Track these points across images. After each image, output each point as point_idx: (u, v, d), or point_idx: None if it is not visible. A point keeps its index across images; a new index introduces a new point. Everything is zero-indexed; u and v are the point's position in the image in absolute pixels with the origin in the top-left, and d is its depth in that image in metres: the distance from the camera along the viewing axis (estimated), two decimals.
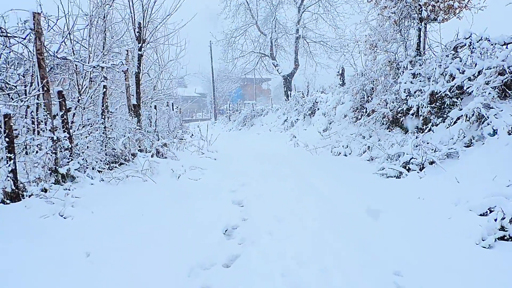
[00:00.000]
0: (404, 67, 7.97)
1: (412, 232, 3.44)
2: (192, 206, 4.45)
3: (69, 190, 4.61)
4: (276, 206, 4.45)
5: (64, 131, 5.20)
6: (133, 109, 7.35)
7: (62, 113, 5.18)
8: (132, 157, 6.53)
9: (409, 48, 8.27)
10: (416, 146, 5.85)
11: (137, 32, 8.94)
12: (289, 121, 16.33)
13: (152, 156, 6.98)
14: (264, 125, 19.92)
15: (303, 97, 16.50)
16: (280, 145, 12.20)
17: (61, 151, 4.96)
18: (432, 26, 8.44)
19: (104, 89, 5.84)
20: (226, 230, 3.75)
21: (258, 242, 3.25)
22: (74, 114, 6.29)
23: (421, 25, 8.02)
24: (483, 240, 3.15)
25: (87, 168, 5.11)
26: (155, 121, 8.53)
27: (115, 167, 5.67)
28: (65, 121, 5.21)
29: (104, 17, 8.11)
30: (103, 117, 5.76)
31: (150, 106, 11.46)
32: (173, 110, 11.91)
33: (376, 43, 9.00)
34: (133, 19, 9.05)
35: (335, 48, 20.35)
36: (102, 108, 5.78)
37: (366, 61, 9.73)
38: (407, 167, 5.67)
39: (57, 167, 4.81)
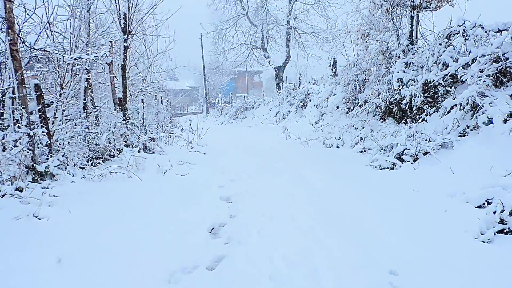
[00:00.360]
0: (396, 56, 7.79)
1: (408, 227, 3.27)
2: (178, 203, 4.23)
3: (47, 188, 4.37)
4: (266, 202, 4.26)
5: (42, 126, 4.95)
6: (118, 102, 7.08)
7: (40, 107, 4.92)
8: (118, 152, 6.29)
9: (402, 37, 8.08)
10: (410, 137, 5.69)
11: (123, 23, 8.63)
12: (281, 114, 16.12)
13: (139, 151, 6.74)
14: (256, 117, 19.68)
15: (295, 88, 16.29)
16: (272, 138, 12.01)
17: (38, 148, 4.71)
18: (424, 14, 8.25)
19: (86, 82, 5.57)
20: (212, 229, 3.55)
21: (245, 242, 3.06)
22: (56, 108, 6.04)
23: (413, 13, 7.83)
24: (482, 234, 3.00)
25: (67, 164, 4.87)
26: (143, 115, 8.26)
27: (99, 163, 5.43)
28: (43, 115, 4.95)
29: (88, 7, 7.82)
30: (85, 111, 5.50)
31: (136, 100, 11.21)
32: (162, 103, 11.62)
33: (368, 32, 8.80)
34: (118, 10, 8.73)
35: (326, 39, 20.10)
36: (84, 101, 5.52)
37: (358, 51, 9.53)
38: (400, 158, 5.51)
39: (34, 165, 4.56)
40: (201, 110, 40.03)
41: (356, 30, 9.23)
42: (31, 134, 4.54)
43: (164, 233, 3.28)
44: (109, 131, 5.71)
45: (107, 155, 6.03)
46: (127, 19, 8.56)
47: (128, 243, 3.05)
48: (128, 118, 7.91)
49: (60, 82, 6.35)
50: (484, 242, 2.92)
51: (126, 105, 8.11)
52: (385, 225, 3.38)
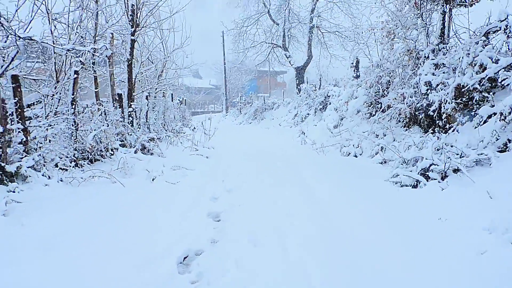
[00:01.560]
0: (425, 56, 6.92)
1: (430, 275, 2.51)
2: (155, 219, 3.62)
3: (13, 192, 3.86)
4: (260, 221, 3.59)
5: (18, 122, 4.46)
6: (117, 98, 6.56)
7: (16, 100, 4.43)
8: (112, 152, 5.76)
9: (432, 34, 7.19)
10: (438, 150, 4.86)
11: (130, 15, 8.15)
12: (299, 116, 15.37)
13: (135, 152, 6.21)
14: (274, 119, 19.00)
15: (315, 90, 15.48)
16: (287, 141, 11.30)
17: (9, 146, 4.21)
18: (458, 10, 7.34)
19: (76, 75, 5.06)
20: (184, 258, 2.90)
21: (216, 283, 2.39)
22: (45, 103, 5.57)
23: (445, 7, 6.92)
24: None
25: (44, 165, 4.35)
26: (146, 112, 7.74)
27: (84, 164, 4.89)
28: (20, 110, 4.46)
29: None
30: (73, 106, 4.98)
31: (151, 96, 10.73)
32: (172, 100, 11.12)
33: (394, 30, 7.95)
34: (126, 1, 8.26)
35: (349, 38, 19.11)
36: (73, 96, 5.01)
37: (383, 50, 8.68)
38: (426, 175, 4.70)
39: (3, 164, 4.06)
40: (221, 109, 39.65)
41: (381, 28, 8.39)
42: (0, 130, 4.05)
43: (120, 265, 2.64)
44: (98, 129, 5.18)
45: (99, 155, 5.52)
46: (135, 11, 8.08)
47: (69, 277, 2.44)
48: (131, 116, 7.41)
49: (56, 75, 5.90)
50: None
51: (131, 102, 7.62)
52: (400, 269, 2.62)
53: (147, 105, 7.79)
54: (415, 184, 4.73)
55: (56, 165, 4.46)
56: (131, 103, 7.19)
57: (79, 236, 3.07)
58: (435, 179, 4.55)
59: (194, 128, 12.18)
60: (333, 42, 21.14)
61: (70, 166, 4.58)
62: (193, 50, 12.30)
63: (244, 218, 3.73)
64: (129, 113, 7.22)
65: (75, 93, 4.97)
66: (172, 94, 11.75)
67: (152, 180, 4.95)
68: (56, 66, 5.63)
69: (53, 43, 5.63)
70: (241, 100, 27.29)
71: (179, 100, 13.30)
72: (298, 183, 5.34)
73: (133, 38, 7.75)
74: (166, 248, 2.96)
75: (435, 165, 4.64)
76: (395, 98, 7.36)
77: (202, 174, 5.74)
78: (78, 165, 4.79)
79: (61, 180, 4.36)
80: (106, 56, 6.34)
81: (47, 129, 4.56)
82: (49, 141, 4.56)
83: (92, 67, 6.91)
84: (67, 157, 4.64)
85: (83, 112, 5.45)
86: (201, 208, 4.10)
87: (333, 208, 4.04)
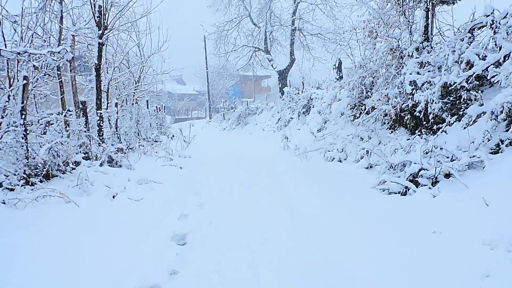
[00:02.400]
0: (408, 55, 6.63)
1: None
2: (106, 245, 3.11)
3: None
4: (231, 242, 3.16)
5: None
6: (81, 106, 6.05)
7: None
8: (73, 167, 5.24)
9: (415, 32, 6.92)
10: (427, 153, 4.53)
11: (97, 16, 7.64)
12: (282, 120, 15.02)
13: (101, 165, 5.69)
14: (258, 124, 18.61)
15: (298, 93, 15.16)
16: (269, 147, 10.91)
17: None
18: (441, 7, 7.10)
19: (25, 81, 4.54)
20: None
21: None
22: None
23: (428, 4, 6.66)
24: None
25: None
26: (116, 121, 7.23)
27: (37, 182, 4.37)
28: None
29: None
30: (23, 117, 4.46)
31: (128, 103, 10.18)
32: (148, 107, 10.60)
33: (376, 29, 7.67)
34: (92, 1, 7.75)
35: (331, 40, 18.90)
36: (22, 105, 4.49)
37: (365, 50, 8.40)
38: (415, 181, 4.35)
39: None
40: (205, 115, 39.12)
41: (363, 27, 8.12)
42: None
43: None
44: (52, 141, 4.66)
45: (57, 170, 4.99)
46: (102, 12, 7.57)
47: None
48: (100, 125, 6.89)
49: (9, 82, 5.37)
50: None
51: (99, 110, 7.09)
52: None
53: (117, 112, 7.27)
54: (404, 191, 4.38)
55: (0, 185, 3.93)
56: (99, 111, 6.66)
57: None
58: (425, 185, 4.21)
59: (173, 136, 11.67)
60: (315, 44, 20.93)
61: (18, 185, 4.04)
62: (171, 55, 11.83)
63: (214, 239, 3.29)
64: (98, 122, 6.70)
65: (24, 101, 4.44)
66: (147, 101, 11.22)
67: (113, 197, 4.45)
68: (9, 72, 5.11)
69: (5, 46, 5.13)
70: (225, 106, 26.83)
71: (156, 106, 12.75)
72: (278, 193, 4.94)
73: (100, 41, 7.22)
74: (108, 286, 2.48)
75: (424, 170, 4.30)
76: (379, 99, 7.05)
77: (172, 187, 5.24)
78: (30, 183, 4.25)
79: (3, 203, 3.78)
80: (67, 60, 5.82)
81: None
82: None
83: (58, 73, 6.39)
84: (14, 174, 4.11)
85: (37, 123, 4.92)
86: (165, 229, 3.62)
87: (315, 222, 3.64)
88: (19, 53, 4.84)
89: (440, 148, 4.50)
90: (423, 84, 5.82)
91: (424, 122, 5.80)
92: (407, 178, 4.42)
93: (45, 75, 6.39)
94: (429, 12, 6.69)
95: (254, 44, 21.96)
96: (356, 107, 8.58)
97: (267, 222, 3.68)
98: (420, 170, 4.34)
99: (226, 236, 3.32)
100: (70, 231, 3.30)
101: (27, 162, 4.41)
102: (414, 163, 4.44)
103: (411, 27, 6.90)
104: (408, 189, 4.30)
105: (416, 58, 6.26)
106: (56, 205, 3.90)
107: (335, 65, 11.87)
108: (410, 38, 6.90)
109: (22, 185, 4.14)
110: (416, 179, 4.35)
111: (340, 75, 11.59)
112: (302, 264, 2.75)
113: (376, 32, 7.55)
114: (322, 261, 2.81)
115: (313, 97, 13.14)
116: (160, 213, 4.10)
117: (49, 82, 6.77)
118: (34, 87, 5.49)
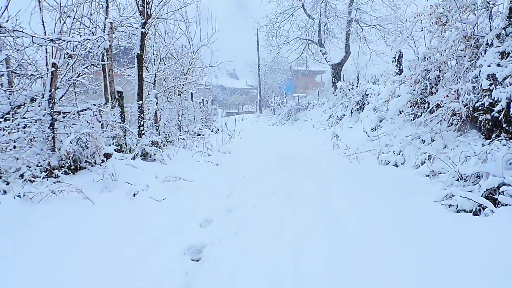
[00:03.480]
0: (487, 43, 5.57)
1: None
2: (108, 256, 2.68)
3: None
4: (254, 263, 2.60)
5: None
6: (116, 96, 5.82)
7: None
8: (104, 159, 5.01)
9: (496, 16, 5.81)
10: (510, 164, 3.61)
11: (141, 5, 7.44)
12: (334, 117, 14.15)
13: (133, 158, 5.43)
14: (308, 120, 17.83)
15: (352, 88, 14.15)
16: (317, 145, 10.17)
17: None
18: None
19: (53, 69, 4.33)
20: None
21: None
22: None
23: None
24: None
25: (0, 177, 3.63)
26: (155, 113, 6.97)
27: (59, 174, 4.13)
28: None
29: None
30: (50, 106, 4.25)
31: (174, 95, 10.02)
32: (192, 100, 10.33)
33: (446, 14, 6.62)
34: None
35: (391, 32, 17.47)
36: (50, 93, 4.28)
37: (431, 40, 7.35)
38: (493, 198, 3.47)
39: None
40: (255, 110, 38.86)
41: (430, 13, 7.09)
42: None
43: None
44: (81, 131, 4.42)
45: (85, 162, 4.78)
46: (146, 1, 7.35)
47: None
48: (141, 116, 6.68)
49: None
50: None
51: (141, 101, 6.89)
52: None
53: (156, 104, 7.01)
54: (477, 210, 3.52)
55: (22, 176, 3.73)
56: (139, 102, 6.43)
57: None
58: (507, 205, 3.32)
59: (218, 130, 11.34)
60: (373, 36, 19.58)
61: (40, 177, 3.82)
62: (218, 47, 11.53)
63: (235, 256, 2.75)
64: (138, 113, 6.48)
65: (52, 89, 4.23)
66: (192, 93, 10.97)
67: (134, 195, 4.09)
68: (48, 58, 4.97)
69: (45, 34, 4.99)
70: (275, 100, 26.27)
71: (203, 99, 12.49)
72: (321, 202, 4.27)
73: (143, 30, 7.00)
74: None
75: (507, 185, 3.40)
76: (446, 96, 6.07)
77: (202, 187, 4.78)
78: (54, 176, 4.03)
79: (19, 196, 3.54)
80: (104, 48, 5.60)
81: (9, 133, 3.82)
82: (14, 147, 3.84)
83: (102, 63, 6.23)
84: (37, 165, 3.90)
85: (68, 113, 4.72)
86: (180, 238, 3.12)
87: (362, 247, 2.94)
88: (52, 40, 4.66)
89: None
90: (505, 78, 4.81)
91: (505, 125, 4.80)
92: (482, 194, 3.55)
93: (87, 66, 6.30)
94: None
95: (307, 37, 21.09)
96: (417, 105, 7.60)
97: (302, 237, 3.07)
98: (501, 185, 3.45)
99: (249, 255, 2.75)
100: (64, 239, 2.89)
101: (53, 153, 4.20)
102: (493, 176, 3.55)
103: (491, 10, 5.80)
104: (484, 208, 3.43)
105: (497, 47, 5.21)
106: (72, 201, 3.61)
107: (394, 57, 10.81)
108: (489, 23, 5.80)
109: (44, 177, 3.92)
110: (495, 196, 3.47)
111: (400, 68, 10.52)
112: None
113: (446, 17, 6.51)
114: None
115: (369, 93, 12.16)
116: (181, 217, 3.64)
117: (91, 73, 6.70)
118: (65, 77, 5.31)
